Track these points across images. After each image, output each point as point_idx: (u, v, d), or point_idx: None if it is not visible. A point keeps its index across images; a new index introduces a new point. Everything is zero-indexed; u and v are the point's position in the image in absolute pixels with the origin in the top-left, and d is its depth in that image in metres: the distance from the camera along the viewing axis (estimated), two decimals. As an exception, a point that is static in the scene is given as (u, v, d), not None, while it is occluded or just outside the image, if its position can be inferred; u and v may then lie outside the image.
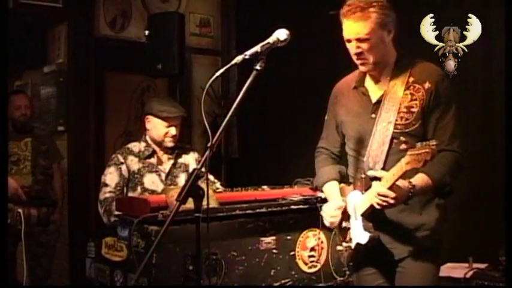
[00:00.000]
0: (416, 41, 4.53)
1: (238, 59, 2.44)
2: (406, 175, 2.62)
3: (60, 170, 5.50)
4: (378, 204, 2.68)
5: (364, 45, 2.81)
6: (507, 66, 3.53)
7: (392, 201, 2.64)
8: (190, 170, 3.89)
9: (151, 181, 3.91)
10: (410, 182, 2.68)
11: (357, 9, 2.76)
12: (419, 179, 2.71)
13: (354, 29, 2.79)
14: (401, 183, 2.66)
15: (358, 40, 2.80)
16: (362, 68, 2.91)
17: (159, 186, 3.88)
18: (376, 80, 2.95)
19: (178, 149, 4.06)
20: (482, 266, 4.10)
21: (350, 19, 2.79)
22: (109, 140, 6.21)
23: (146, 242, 3.06)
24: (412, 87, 2.83)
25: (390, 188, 2.63)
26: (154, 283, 3.02)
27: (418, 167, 2.57)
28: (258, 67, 2.42)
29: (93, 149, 6.02)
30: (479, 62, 4.59)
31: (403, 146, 2.70)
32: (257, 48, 2.45)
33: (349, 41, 2.84)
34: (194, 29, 6.80)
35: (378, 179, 2.73)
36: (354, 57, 2.87)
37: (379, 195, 2.66)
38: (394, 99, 2.83)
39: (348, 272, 3.68)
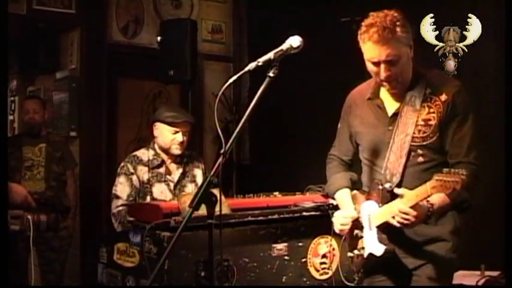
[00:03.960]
0: (417, 41, 4.51)
1: (252, 65, 2.42)
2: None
3: (73, 176, 5.52)
4: (398, 222, 2.65)
5: (394, 68, 2.70)
6: (507, 66, 3.53)
7: (413, 220, 2.62)
8: (198, 182, 3.89)
9: (160, 191, 3.89)
10: (428, 201, 2.64)
11: (385, 30, 2.63)
12: (437, 198, 2.66)
13: (383, 51, 2.65)
14: (421, 202, 2.62)
15: (389, 63, 2.69)
16: (387, 87, 2.82)
17: (168, 196, 3.87)
18: (392, 92, 2.87)
19: (186, 157, 4.03)
20: (495, 273, 4.07)
21: (376, 40, 2.65)
22: (121, 145, 6.22)
23: (158, 248, 3.05)
24: (429, 99, 2.78)
25: (412, 207, 2.60)
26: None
27: (445, 193, 2.54)
28: (271, 74, 2.40)
29: (105, 155, 6.05)
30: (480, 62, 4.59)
31: (421, 159, 2.69)
32: (270, 55, 2.43)
33: (376, 63, 2.71)
34: (206, 36, 6.80)
35: (398, 195, 2.70)
36: (380, 79, 2.76)
37: (401, 212, 2.62)
38: (411, 112, 2.78)
39: (357, 279, 3.66)
